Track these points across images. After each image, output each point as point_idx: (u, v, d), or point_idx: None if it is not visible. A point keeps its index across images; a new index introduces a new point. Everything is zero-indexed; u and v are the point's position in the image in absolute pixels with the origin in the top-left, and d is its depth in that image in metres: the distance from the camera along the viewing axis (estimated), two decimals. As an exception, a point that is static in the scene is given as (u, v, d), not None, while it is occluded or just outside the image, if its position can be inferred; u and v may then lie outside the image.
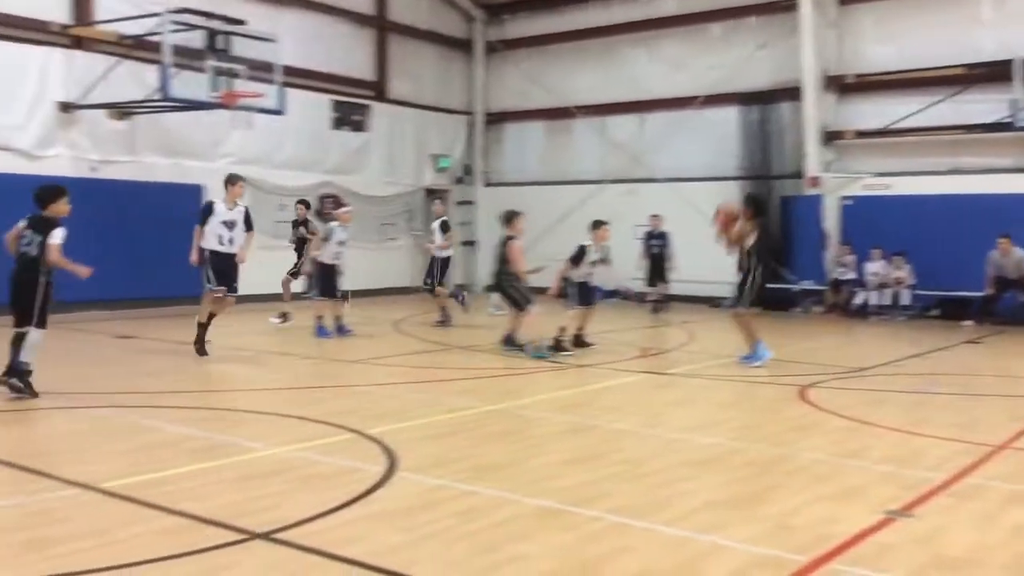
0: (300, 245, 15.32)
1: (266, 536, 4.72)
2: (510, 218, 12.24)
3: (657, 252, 18.55)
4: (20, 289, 8.65)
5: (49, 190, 8.77)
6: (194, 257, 11.52)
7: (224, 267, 11.53)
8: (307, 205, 15.68)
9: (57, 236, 8.53)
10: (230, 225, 11.52)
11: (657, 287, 18.66)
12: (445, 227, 15.89)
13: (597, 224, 12.61)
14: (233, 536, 4.73)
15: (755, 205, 11.72)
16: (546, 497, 5.51)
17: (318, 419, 7.68)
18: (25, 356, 8.50)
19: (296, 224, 15.54)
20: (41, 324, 8.59)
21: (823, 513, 5.30)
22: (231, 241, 11.54)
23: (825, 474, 6.21)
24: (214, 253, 11.44)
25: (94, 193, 16.25)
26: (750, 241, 11.18)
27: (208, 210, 11.60)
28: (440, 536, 4.82)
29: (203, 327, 11.48)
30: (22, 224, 8.67)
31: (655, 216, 18.78)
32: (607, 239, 12.63)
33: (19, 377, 8.45)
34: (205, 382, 10.20)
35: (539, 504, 5.39)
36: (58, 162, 16.26)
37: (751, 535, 4.89)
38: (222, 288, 11.52)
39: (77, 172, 16.45)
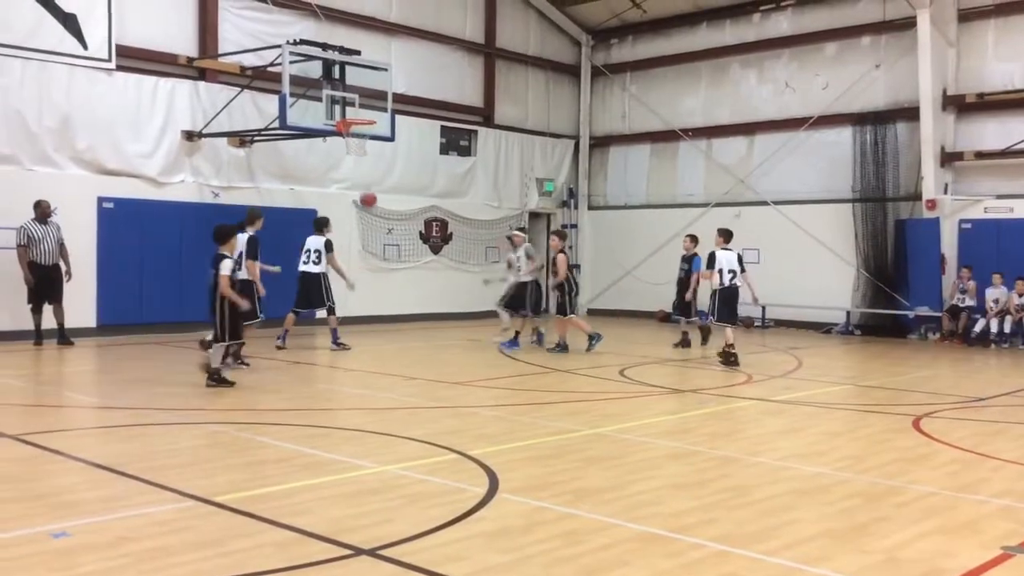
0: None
1: (371, 552, 4.85)
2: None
3: (682, 277, 16.17)
4: (210, 311, 10.71)
5: (224, 230, 10.84)
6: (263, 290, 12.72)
7: None
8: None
9: (225, 267, 10.45)
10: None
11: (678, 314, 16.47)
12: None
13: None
14: (340, 551, 4.87)
15: None
16: (648, 523, 5.49)
17: (422, 439, 7.83)
18: (214, 362, 10.57)
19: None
20: (222, 338, 10.60)
21: (935, 547, 5.12)
22: None
23: (938, 507, 6.00)
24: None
25: (215, 218, 16.98)
26: None
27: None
28: (541, 558, 4.85)
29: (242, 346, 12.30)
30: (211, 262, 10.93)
31: (688, 237, 16.53)
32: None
33: (214, 375, 10.55)
34: (313, 401, 10.51)
35: (641, 529, 5.37)
36: (182, 188, 17.07)
37: (858, 568, 4.77)
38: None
39: (200, 198, 17.25)
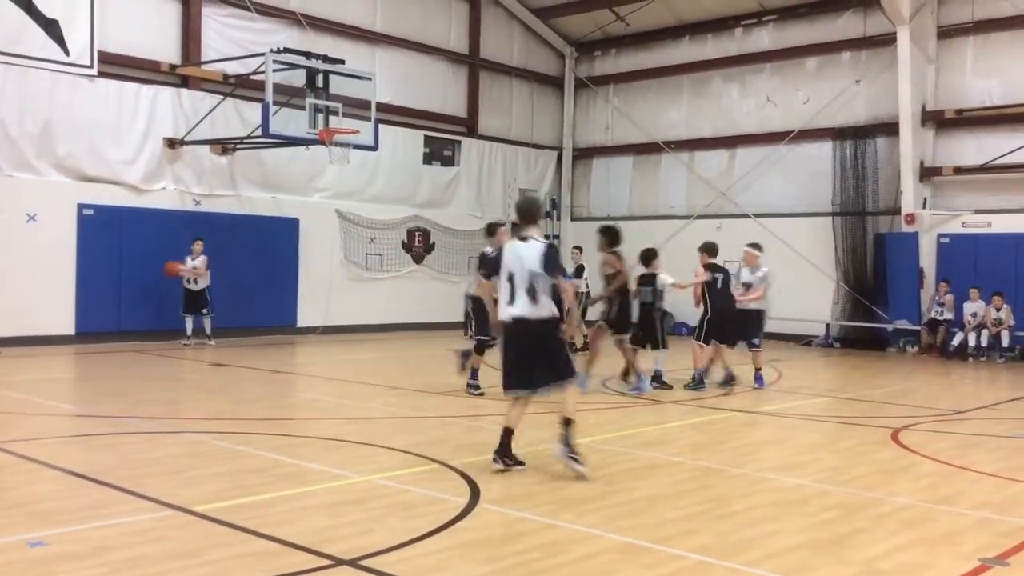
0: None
1: (352, 563, 4.82)
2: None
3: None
4: (644, 325, 11.86)
5: (648, 253, 12.08)
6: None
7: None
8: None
9: (666, 278, 11.84)
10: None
11: None
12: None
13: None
14: (320, 562, 4.84)
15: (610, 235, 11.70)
16: (629, 533, 5.50)
17: (404, 449, 7.81)
18: (658, 366, 11.85)
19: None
20: (664, 344, 11.91)
21: (914, 559, 5.15)
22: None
23: (916, 519, 6.04)
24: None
25: (197, 225, 16.97)
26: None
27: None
28: (522, 569, 4.84)
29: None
30: (637, 280, 11.96)
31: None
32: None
33: (658, 379, 11.80)
34: (296, 410, 10.47)
35: (622, 540, 5.37)
36: (163, 196, 17.00)
37: (838, 579, 4.79)
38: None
39: (182, 205, 17.17)
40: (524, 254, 6.93)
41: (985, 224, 18.28)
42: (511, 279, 6.95)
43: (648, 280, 12.00)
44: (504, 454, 7.07)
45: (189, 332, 16.21)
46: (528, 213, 7.22)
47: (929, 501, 6.50)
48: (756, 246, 13.01)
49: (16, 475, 6.78)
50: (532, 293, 6.88)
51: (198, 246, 16.27)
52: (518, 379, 7.06)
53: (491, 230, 10.88)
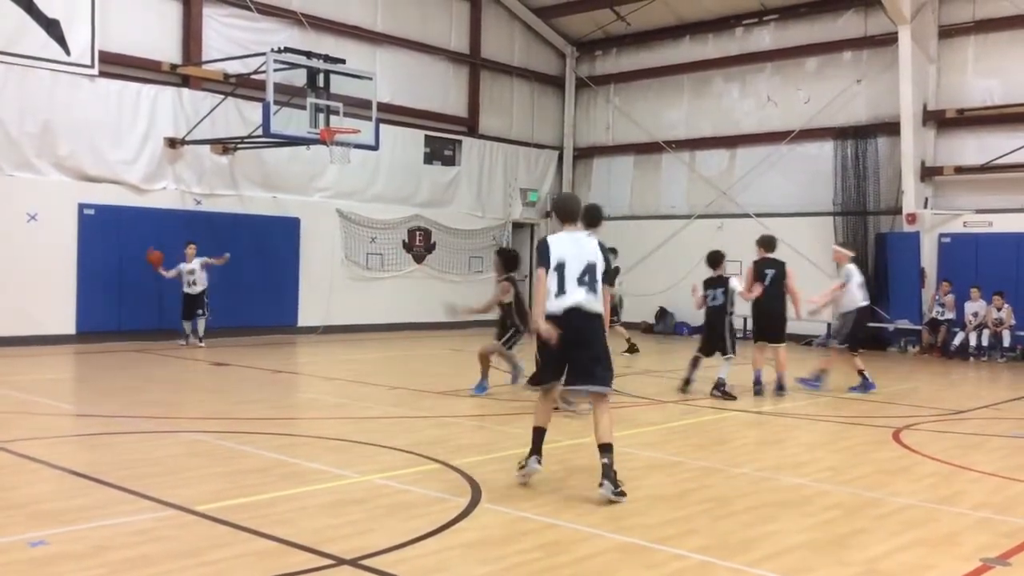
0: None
1: (353, 563, 4.82)
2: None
3: None
4: (713, 329, 11.47)
5: (716, 256, 11.43)
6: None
7: None
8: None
9: (736, 284, 11.36)
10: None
11: None
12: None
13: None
14: (321, 561, 4.84)
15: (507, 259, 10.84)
16: (630, 533, 5.49)
17: (406, 449, 7.81)
18: (721, 373, 11.24)
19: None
20: (733, 350, 11.33)
21: (914, 559, 5.15)
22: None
23: (917, 519, 6.03)
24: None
25: (197, 225, 16.98)
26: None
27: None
28: (523, 569, 4.84)
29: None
30: (702, 287, 11.50)
31: None
32: None
33: (719, 387, 11.18)
34: (297, 410, 10.47)
35: (623, 540, 5.37)
36: (164, 195, 17.00)
37: (838, 579, 4.78)
38: None
39: (183, 205, 17.17)
40: (581, 243, 6.53)
41: (986, 224, 18.28)
42: (560, 268, 6.42)
43: (717, 283, 11.38)
44: (538, 453, 6.70)
45: (188, 333, 16.19)
46: (570, 211, 6.74)
47: (930, 501, 6.50)
48: (843, 245, 13.01)
49: (17, 475, 6.78)
50: (588, 284, 6.42)
51: (191, 249, 16.04)
52: (554, 371, 6.60)
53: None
